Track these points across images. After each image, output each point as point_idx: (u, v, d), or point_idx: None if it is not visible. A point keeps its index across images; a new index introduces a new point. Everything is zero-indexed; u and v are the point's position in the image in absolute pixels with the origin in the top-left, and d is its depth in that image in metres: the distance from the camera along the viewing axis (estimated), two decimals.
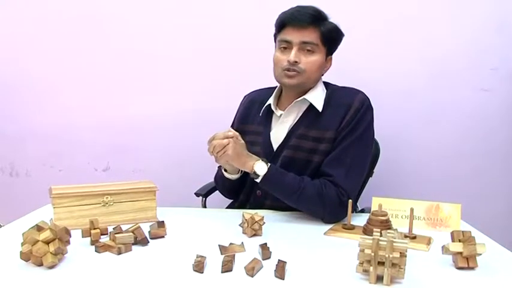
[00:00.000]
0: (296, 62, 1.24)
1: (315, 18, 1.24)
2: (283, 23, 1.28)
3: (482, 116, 1.85)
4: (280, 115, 1.34)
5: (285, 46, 1.27)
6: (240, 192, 1.42)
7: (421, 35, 1.81)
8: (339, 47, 1.34)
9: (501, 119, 1.85)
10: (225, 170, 1.36)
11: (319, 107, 1.29)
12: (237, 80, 1.85)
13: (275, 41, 1.33)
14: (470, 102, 1.84)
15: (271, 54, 1.33)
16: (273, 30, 1.33)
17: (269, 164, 1.21)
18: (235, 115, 1.49)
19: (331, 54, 1.34)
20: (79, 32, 1.94)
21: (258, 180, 1.21)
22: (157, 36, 1.92)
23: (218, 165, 1.39)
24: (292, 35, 1.25)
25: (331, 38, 1.29)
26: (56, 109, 2.01)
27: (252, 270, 0.84)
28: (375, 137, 1.61)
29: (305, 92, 1.30)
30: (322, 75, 1.36)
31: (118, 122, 1.99)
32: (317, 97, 1.31)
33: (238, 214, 1.14)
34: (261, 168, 1.19)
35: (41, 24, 1.95)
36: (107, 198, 1.14)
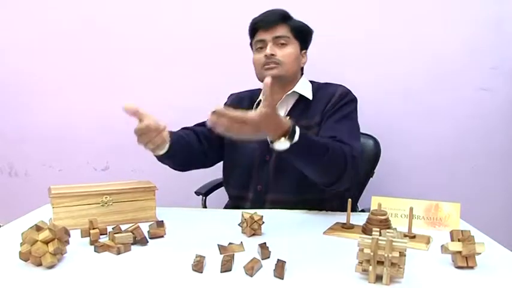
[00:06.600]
0: (273, 54, 1.30)
1: (282, 17, 1.33)
2: (255, 27, 1.35)
3: (482, 115, 1.85)
4: None
5: (261, 46, 1.34)
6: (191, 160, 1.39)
7: (421, 35, 1.81)
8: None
9: (501, 118, 1.85)
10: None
11: (310, 96, 1.35)
12: (236, 78, 1.84)
13: (252, 48, 1.40)
14: (470, 101, 1.84)
15: None
16: None
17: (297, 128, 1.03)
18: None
19: (305, 49, 1.40)
20: (78, 32, 1.94)
21: (287, 146, 1.02)
22: (156, 36, 1.92)
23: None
24: (265, 35, 1.33)
25: (301, 32, 1.36)
26: (55, 109, 2.01)
27: (251, 269, 0.84)
28: (375, 136, 1.61)
29: (291, 86, 1.36)
30: (302, 69, 1.42)
31: (117, 122, 1.98)
32: (305, 88, 1.37)
33: (237, 214, 1.14)
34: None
35: (40, 24, 1.95)
36: (106, 198, 1.14)
